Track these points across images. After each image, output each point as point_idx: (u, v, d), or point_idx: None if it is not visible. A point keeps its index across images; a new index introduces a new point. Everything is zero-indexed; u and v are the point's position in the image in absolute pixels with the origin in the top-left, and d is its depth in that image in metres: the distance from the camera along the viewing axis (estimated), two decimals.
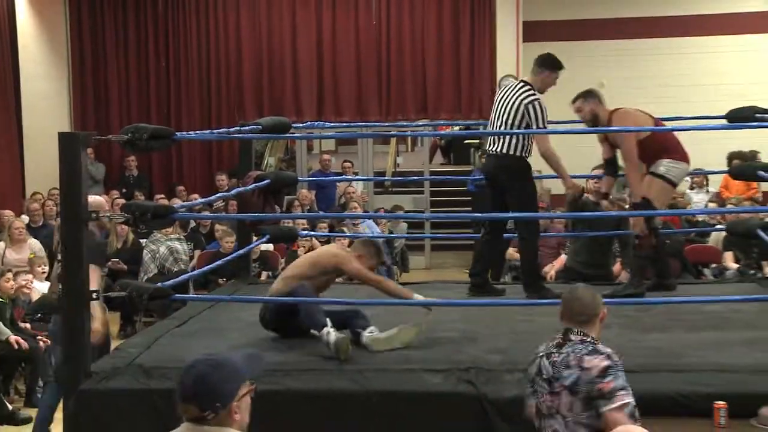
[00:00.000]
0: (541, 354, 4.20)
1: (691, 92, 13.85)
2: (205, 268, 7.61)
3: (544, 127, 6.73)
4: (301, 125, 9.69)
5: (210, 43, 15.13)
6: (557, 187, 12.69)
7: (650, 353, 5.55)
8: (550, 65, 6.93)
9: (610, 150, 7.32)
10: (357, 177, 14.33)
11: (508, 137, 6.73)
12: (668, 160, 6.88)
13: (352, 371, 5.30)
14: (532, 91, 6.76)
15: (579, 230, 8.46)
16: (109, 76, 15.23)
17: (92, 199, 7.19)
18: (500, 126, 6.79)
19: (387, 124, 14.20)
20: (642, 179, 6.91)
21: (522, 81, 6.93)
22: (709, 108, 8.56)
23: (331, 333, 5.51)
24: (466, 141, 18.01)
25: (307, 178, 13.34)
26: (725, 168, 9.90)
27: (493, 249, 7.29)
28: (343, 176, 13.82)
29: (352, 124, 13.54)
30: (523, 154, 6.77)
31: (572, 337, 4.17)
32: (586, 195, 8.33)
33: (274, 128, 7.30)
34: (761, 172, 7.66)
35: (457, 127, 16.47)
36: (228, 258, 7.88)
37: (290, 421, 5.14)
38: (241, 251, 7.94)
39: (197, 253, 11.07)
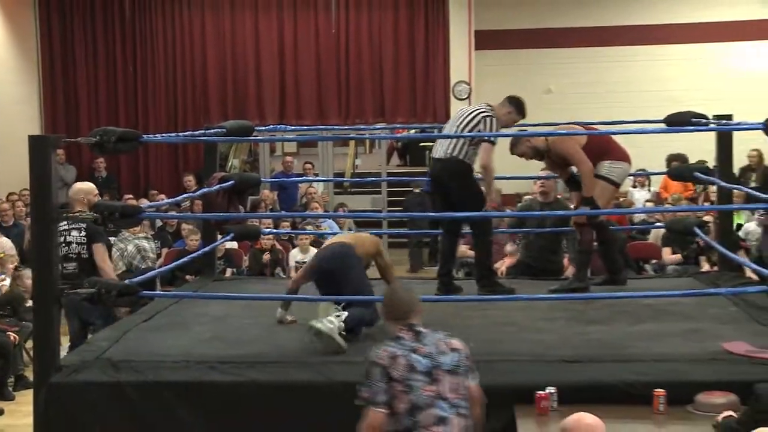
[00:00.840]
0: (399, 353, 4.09)
1: (636, 98, 13.97)
2: (172, 265, 7.58)
3: (492, 140, 6.71)
4: (263, 128, 9.65)
5: (176, 50, 15.04)
6: (509, 187, 12.83)
7: (595, 344, 5.61)
8: (517, 107, 6.91)
9: (564, 172, 7.38)
10: (318, 178, 14.31)
11: (454, 143, 6.73)
12: (608, 161, 6.94)
13: (317, 363, 5.29)
14: (492, 112, 6.78)
15: (528, 227, 8.52)
16: (78, 81, 15.09)
17: (82, 185, 7.30)
18: (452, 132, 6.80)
19: (346, 127, 14.23)
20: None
21: (488, 105, 6.93)
22: (653, 113, 8.61)
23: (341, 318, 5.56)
24: (422, 143, 18.04)
25: (270, 179, 13.29)
26: (663, 170, 10.00)
27: (451, 248, 7.28)
28: (305, 177, 13.80)
29: (312, 127, 13.51)
30: (466, 159, 6.78)
31: (420, 329, 4.18)
32: (533, 196, 8.45)
33: (238, 131, 7.26)
34: (698, 174, 7.77)
35: (413, 130, 16.50)
36: (193, 255, 7.86)
37: (255, 412, 5.12)
38: (206, 249, 7.91)
39: (164, 251, 11.00)
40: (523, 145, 7.04)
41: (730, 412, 4.41)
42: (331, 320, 5.51)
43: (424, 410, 4.01)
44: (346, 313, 5.60)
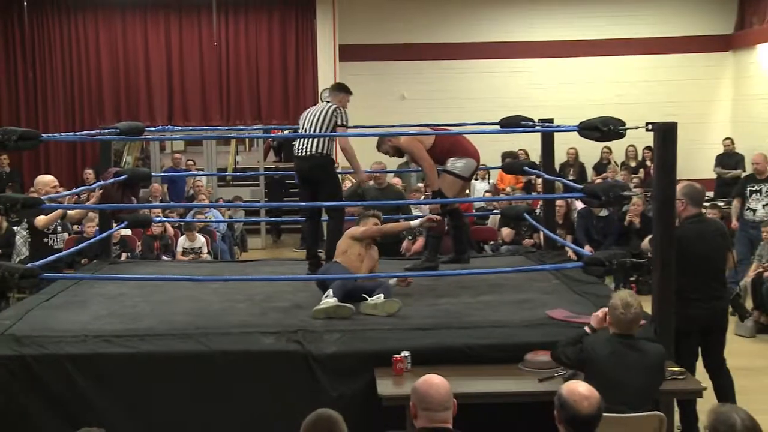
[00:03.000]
0: None
1: (474, 104, 14.18)
2: (71, 250, 7.30)
3: (346, 124, 6.70)
4: (154, 129, 9.43)
5: (72, 56, 14.52)
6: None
7: (442, 314, 5.70)
8: (344, 90, 6.99)
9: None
10: (203, 172, 14.11)
11: (317, 141, 6.69)
12: (452, 158, 6.88)
13: (199, 335, 5.22)
14: (337, 104, 6.81)
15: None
16: None
17: (42, 177, 7.12)
18: (313, 131, 6.73)
19: (227, 127, 14.04)
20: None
21: (328, 102, 6.90)
22: (488, 116, 8.81)
23: (329, 298, 5.59)
24: (294, 142, 17.90)
25: (161, 174, 13.01)
26: (500, 164, 10.19)
27: (315, 232, 7.25)
28: (191, 172, 13.53)
29: (198, 127, 13.31)
30: (330, 153, 6.79)
31: None
32: (371, 183, 8.55)
33: (130, 131, 7.10)
34: (527, 168, 7.99)
35: (287, 130, 16.36)
36: (91, 241, 7.62)
37: (147, 380, 5.03)
38: (102, 235, 7.68)
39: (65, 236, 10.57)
40: (385, 144, 7.04)
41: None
42: (326, 300, 5.59)
43: None
44: (330, 291, 5.66)
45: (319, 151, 6.67)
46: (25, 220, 7.12)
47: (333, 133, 6.62)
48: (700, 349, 5.63)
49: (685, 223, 5.55)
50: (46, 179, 7.21)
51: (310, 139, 6.68)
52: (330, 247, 6.66)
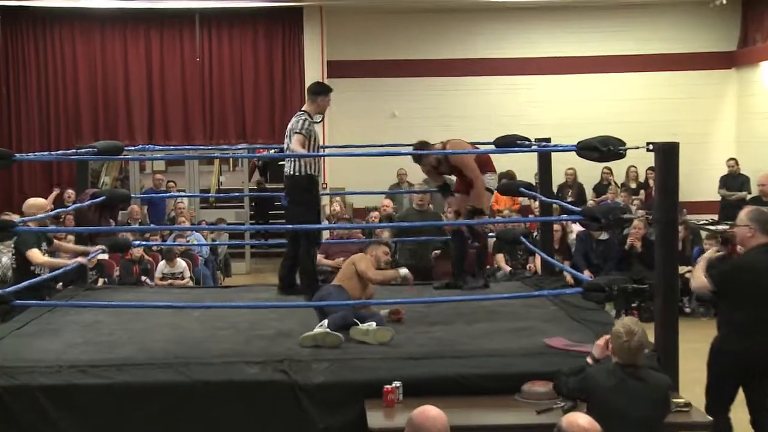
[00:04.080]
0: None
1: (467, 122, 14.22)
2: (46, 276, 7.25)
3: (301, 131, 6.72)
4: (133, 148, 9.42)
5: (48, 73, 14.51)
6: (360, 201, 12.91)
7: (436, 343, 5.68)
8: (319, 91, 7.04)
9: (439, 178, 7.52)
10: (185, 194, 14.06)
11: (291, 160, 6.75)
12: (488, 173, 7.19)
13: (179, 364, 5.19)
14: (304, 116, 6.84)
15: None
16: None
17: (34, 201, 7.09)
18: (286, 148, 6.85)
19: (211, 147, 14.05)
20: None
21: (300, 111, 6.97)
22: (483, 135, 8.82)
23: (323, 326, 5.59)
24: (281, 162, 17.92)
25: (141, 195, 12.97)
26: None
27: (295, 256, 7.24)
28: (173, 193, 13.51)
29: (179, 147, 13.29)
30: (307, 173, 6.81)
31: None
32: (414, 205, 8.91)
33: (109, 151, 7.09)
34: (523, 189, 8.00)
35: (272, 150, 16.36)
36: (68, 268, 7.56)
37: (125, 412, 4.99)
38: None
39: None
40: (430, 157, 7.09)
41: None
42: (318, 329, 5.59)
43: None
44: (326, 321, 5.63)
45: (294, 171, 6.74)
46: (12, 243, 7.08)
47: (319, 153, 6.67)
48: (742, 390, 5.36)
49: (754, 251, 5.28)
50: (40, 203, 7.22)
51: (289, 159, 6.75)
52: (299, 271, 6.73)
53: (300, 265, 7.03)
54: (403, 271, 6.32)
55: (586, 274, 8.53)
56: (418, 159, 7.22)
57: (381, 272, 6.26)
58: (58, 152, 7.44)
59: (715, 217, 13.05)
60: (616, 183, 14.05)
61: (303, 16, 14.53)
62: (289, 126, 6.88)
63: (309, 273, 7.03)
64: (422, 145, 7.10)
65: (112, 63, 14.57)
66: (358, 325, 5.69)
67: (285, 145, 6.91)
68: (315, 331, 5.56)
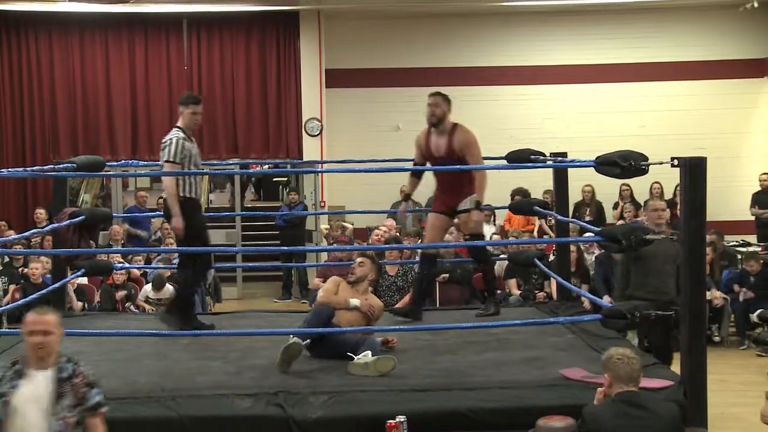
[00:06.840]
0: None
1: (477, 135, 14.21)
2: (20, 302, 7.28)
3: (173, 160, 6.80)
4: (115, 164, 9.47)
5: (23, 85, 14.56)
6: (361, 220, 12.92)
7: (442, 374, 5.69)
8: (184, 102, 7.08)
9: (421, 157, 7.63)
10: None
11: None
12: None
13: (167, 398, 5.19)
14: (169, 138, 6.87)
15: None
16: None
17: None
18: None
19: (200, 162, 14.04)
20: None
21: (175, 127, 7.02)
22: (493, 150, 8.85)
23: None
24: (275, 179, 18.00)
25: (123, 214, 13.00)
26: (507, 204, 10.20)
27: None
28: (158, 212, 13.52)
29: None
30: (186, 194, 6.90)
31: None
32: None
33: (89, 166, 7.13)
34: (537, 208, 8.02)
35: (267, 166, 16.44)
36: (43, 292, 7.59)
37: None
38: (56, 285, 7.65)
39: (12, 287, 10.56)
40: (443, 107, 7.53)
41: None
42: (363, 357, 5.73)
43: None
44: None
45: (182, 194, 6.88)
46: None
47: (308, 169, 6.70)
48: None
49: None
50: None
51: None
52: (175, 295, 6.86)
53: (178, 288, 7.17)
54: (354, 302, 6.36)
55: (606, 300, 8.53)
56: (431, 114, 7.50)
57: (326, 296, 6.37)
58: (34, 168, 7.43)
59: (748, 238, 13.06)
60: (624, 198, 13.90)
61: (299, 21, 14.60)
62: (161, 145, 6.90)
63: (188, 296, 7.10)
64: None
65: (92, 72, 14.59)
66: (351, 357, 5.72)
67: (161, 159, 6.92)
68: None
